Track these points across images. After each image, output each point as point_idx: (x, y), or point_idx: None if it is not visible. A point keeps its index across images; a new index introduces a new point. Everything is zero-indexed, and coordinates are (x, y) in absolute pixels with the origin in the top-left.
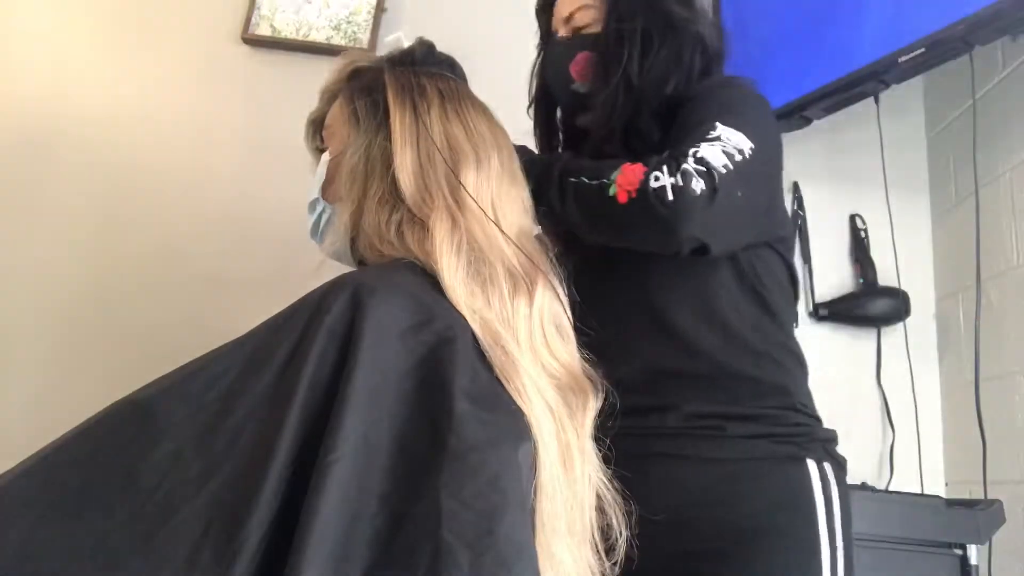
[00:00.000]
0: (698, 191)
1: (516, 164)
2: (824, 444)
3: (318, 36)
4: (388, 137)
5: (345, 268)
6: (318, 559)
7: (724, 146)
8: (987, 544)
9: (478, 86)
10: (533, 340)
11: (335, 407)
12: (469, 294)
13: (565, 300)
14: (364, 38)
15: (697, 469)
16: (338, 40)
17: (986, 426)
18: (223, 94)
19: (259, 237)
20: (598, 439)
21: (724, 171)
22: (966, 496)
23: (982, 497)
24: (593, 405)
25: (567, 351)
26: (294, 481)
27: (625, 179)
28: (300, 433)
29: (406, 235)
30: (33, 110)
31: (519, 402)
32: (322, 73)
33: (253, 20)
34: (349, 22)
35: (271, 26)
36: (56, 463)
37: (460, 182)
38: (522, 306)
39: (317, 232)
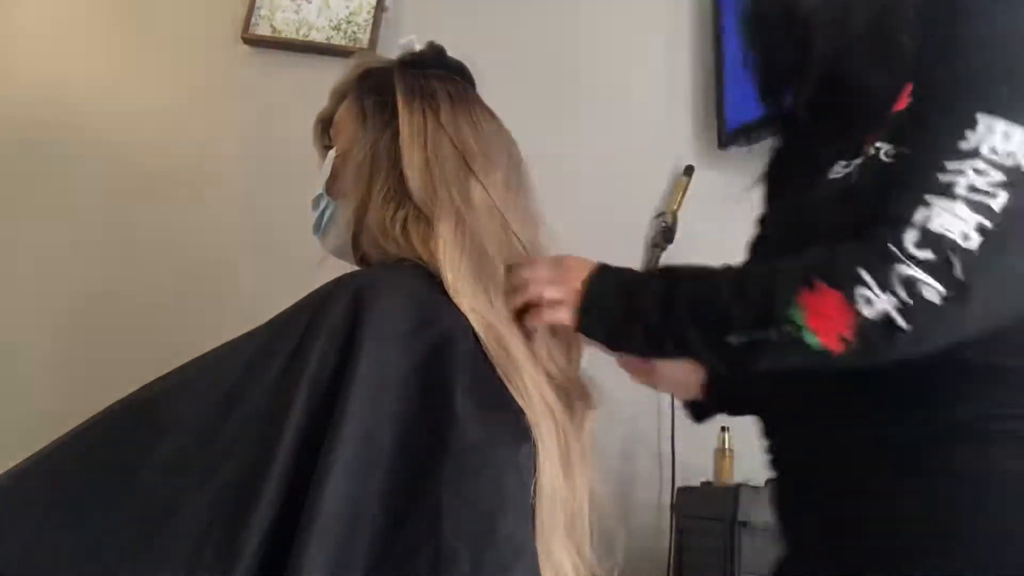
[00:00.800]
0: (937, 300)
1: (523, 168)
2: None
3: (318, 36)
4: (396, 135)
5: (347, 265)
6: (319, 558)
7: (974, 184)
8: None
9: (479, 86)
10: (534, 342)
11: (336, 407)
12: (472, 294)
13: None
14: (364, 38)
15: None
16: (338, 40)
17: None
18: (223, 94)
19: (259, 236)
20: None
21: (974, 246)
22: None
23: None
24: (594, 410)
25: (567, 356)
26: (296, 480)
27: (821, 320)
28: (302, 433)
29: (411, 232)
30: (33, 110)
31: (520, 403)
32: (322, 73)
33: (253, 20)
34: (349, 22)
35: (271, 26)
36: (57, 462)
37: (470, 179)
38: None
39: (320, 228)
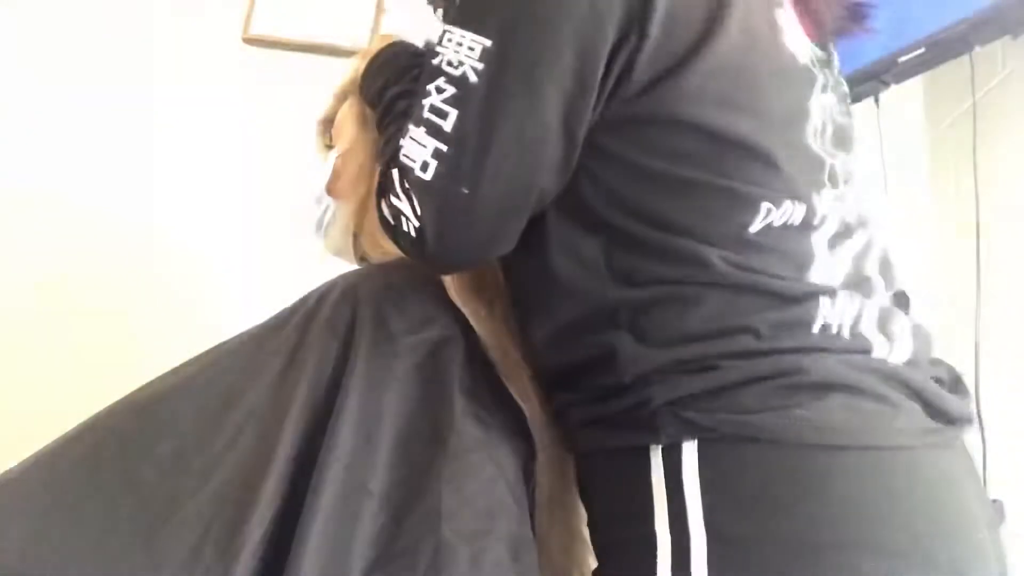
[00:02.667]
0: (412, 231)
1: None
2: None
3: (318, 36)
4: None
5: (347, 264)
6: (318, 557)
7: (434, 103)
8: None
9: None
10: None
11: (336, 405)
12: (470, 292)
13: None
14: (364, 38)
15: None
16: (338, 40)
17: (986, 426)
18: (223, 94)
19: (259, 236)
20: None
21: (428, 175)
22: None
23: None
24: None
25: None
26: (295, 478)
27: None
28: (301, 430)
29: None
30: (32, 110)
31: (518, 400)
32: (322, 73)
33: (253, 20)
34: (349, 22)
35: (271, 26)
36: (58, 462)
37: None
38: None
39: (321, 228)
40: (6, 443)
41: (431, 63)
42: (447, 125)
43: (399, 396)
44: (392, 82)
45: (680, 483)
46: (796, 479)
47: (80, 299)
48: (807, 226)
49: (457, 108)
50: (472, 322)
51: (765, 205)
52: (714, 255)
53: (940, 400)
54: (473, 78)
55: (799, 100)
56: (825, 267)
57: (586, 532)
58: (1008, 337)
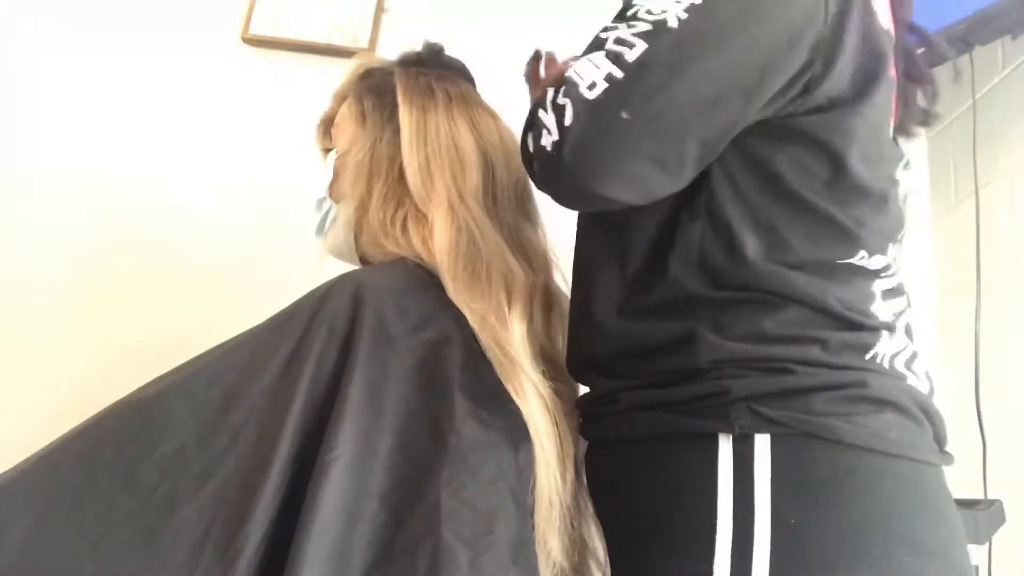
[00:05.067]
0: (548, 145)
1: (523, 169)
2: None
3: (318, 36)
4: (395, 134)
5: (347, 265)
6: (318, 558)
7: (620, 36)
8: (987, 544)
9: (479, 85)
10: (530, 341)
11: (336, 405)
12: (469, 293)
13: (565, 303)
14: (364, 38)
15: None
16: (338, 40)
17: (986, 426)
18: (223, 94)
19: (259, 236)
20: None
21: (592, 95)
22: (966, 496)
23: (982, 497)
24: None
25: (561, 355)
26: (295, 479)
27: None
28: (301, 431)
29: (411, 231)
30: (31, 109)
31: (518, 401)
32: (322, 73)
33: (253, 20)
34: (349, 22)
35: (271, 26)
36: (57, 462)
37: (468, 178)
38: (518, 307)
39: (323, 229)
40: (6, 443)
41: (624, 11)
42: (630, 55)
43: (399, 397)
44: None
45: (750, 472)
46: (855, 476)
47: (80, 299)
48: (876, 274)
49: (647, 42)
50: (471, 321)
51: (862, 252)
52: (800, 279)
53: (943, 430)
54: (673, 23)
55: (895, 170)
56: (879, 310)
57: (585, 532)
58: (1008, 336)
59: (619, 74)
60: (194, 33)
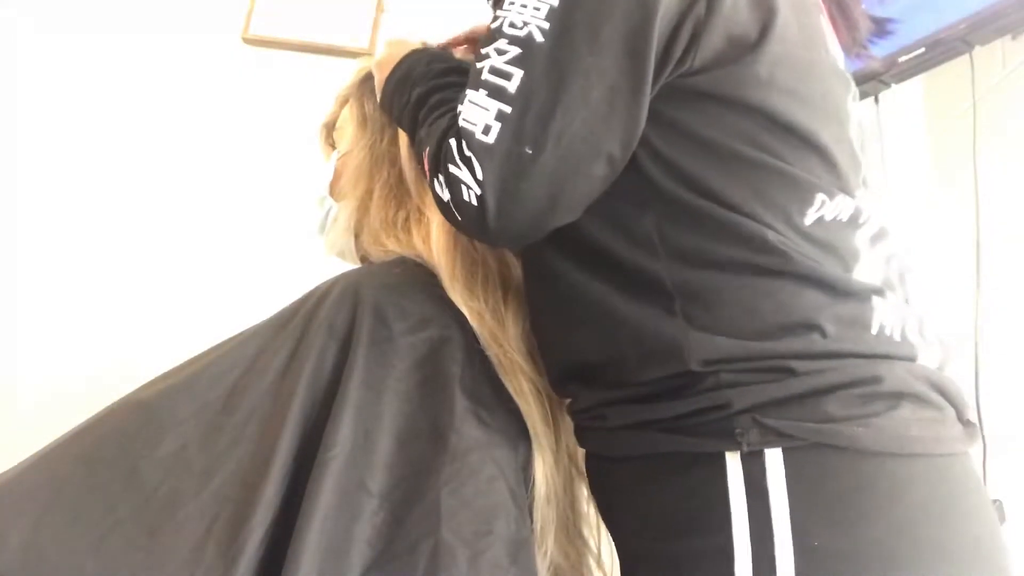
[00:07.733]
0: (472, 199)
1: None
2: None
3: (318, 36)
4: (395, 135)
5: (347, 264)
6: (318, 556)
7: (495, 65)
8: None
9: None
10: (527, 340)
11: (336, 404)
12: (467, 292)
13: None
14: (364, 38)
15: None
16: (338, 40)
17: (986, 426)
18: (223, 94)
19: (259, 236)
20: None
21: (491, 138)
22: None
23: None
24: None
25: None
26: (296, 478)
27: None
28: (302, 430)
29: (412, 230)
30: (32, 110)
31: (517, 400)
32: (322, 73)
33: (253, 20)
34: (349, 22)
35: (271, 26)
36: (58, 461)
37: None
38: (515, 306)
39: (324, 229)
40: (6, 443)
41: (491, 28)
42: (511, 86)
43: (399, 396)
44: (418, 83)
45: (764, 491)
46: (877, 487)
47: (79, 299)
48: (854, 223)
49: (522, 68)
50: (470, 320)
51: (820, 196)
52: (771, 236)
53: (964, 403)
54: (539, 37)
55: (844, 101)
56: (868, 266)
57: (584, 531)
58: (1008, 335)
59: (507, 109)
60: (194, 33)
